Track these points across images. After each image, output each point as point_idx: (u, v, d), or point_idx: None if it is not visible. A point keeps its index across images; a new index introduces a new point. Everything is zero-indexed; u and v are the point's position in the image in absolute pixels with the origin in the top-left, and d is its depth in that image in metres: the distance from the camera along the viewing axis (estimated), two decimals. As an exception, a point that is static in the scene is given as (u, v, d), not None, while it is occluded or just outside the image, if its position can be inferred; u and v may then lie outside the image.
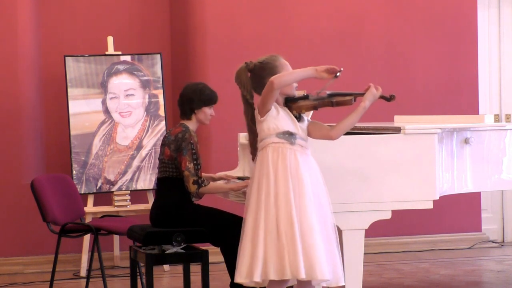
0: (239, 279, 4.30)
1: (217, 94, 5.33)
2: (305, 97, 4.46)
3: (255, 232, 4.28)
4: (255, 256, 4.25)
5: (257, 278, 4.24)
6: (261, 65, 4.43)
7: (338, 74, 4.34)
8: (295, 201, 4.26)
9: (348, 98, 4.47)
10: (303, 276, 4.19)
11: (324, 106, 4.49)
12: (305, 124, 4.47)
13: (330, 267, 4.27)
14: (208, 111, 5.30)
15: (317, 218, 4.29)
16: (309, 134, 4.48)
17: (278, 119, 4.36)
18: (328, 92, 4.47)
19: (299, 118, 4.44)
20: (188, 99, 5.26)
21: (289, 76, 4.32)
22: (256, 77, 4.43)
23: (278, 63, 4.42)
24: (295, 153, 4.34)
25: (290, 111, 4.42)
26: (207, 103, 5.27)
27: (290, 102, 4.45)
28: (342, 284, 4.38)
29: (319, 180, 4.39)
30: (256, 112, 4.39)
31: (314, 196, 4.32)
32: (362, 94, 4.47)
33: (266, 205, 4.28)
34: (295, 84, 4.45)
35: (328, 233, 4.33)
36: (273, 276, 4.22)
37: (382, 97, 4.50)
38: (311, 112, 4.75)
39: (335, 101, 4.47)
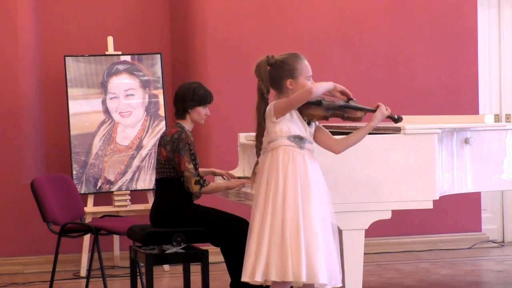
0: (243, 277, 4.31)
1: (211, 93, 5.28)
2: (318, 103, 4.41)
3: (261, 232, 4.28)
4: (259, 256, 4.26)
5: (259, 278, 4.24)
6: (281, 64, 4.36)
7: (350, 101, 4.38)
8: (303, 203, 4.27)
9: (359, 114, 4.45)
10: (304, 279, 4.21)
11: (335, 117, 4.49)
12: (313, 128, 4.45)
13: (328, 271, 4.28)
14: (202, 111, 5.25)
15: (320, 222, 4.29)
16: (314, 138, 4.46)
17: (291, 122, 4.32)
18: (340, 103, 4.43)
19: (308, 122, 4.42)
20: (181, 98, 5.23)
21: (324, 88, 4.32)
22: (274, 74, 4.37)
23: (299, 66, 4.36)
24: (304, 157, 4.33)
25: (301, 115, 4.39)
26: (200, 103, 5.23)
27: (302, 106, 4.41)
28: (339, 285, 4.38)
29: (323, 182, 4.39)
30: (271, 112, 4.33)
31: (319, 199, 4.32)
32: (373, 111, 4.46)
33: (273, 206, 4.27)
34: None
35: (328, 235, 4.33)
36: (274, 277, 4.22)
37: (389, 117, 4.51)
38: None
39: (347, 115, 4.45)
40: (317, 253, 4.24)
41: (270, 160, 4.35)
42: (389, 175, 4.81)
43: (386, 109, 4.46)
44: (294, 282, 4.28)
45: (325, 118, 4.45)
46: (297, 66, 4.37)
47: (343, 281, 4.78)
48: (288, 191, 4.27)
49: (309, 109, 4.38)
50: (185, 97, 5.22)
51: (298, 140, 4.34)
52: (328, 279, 4.27)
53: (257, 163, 4.52)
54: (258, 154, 4.45)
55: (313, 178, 4.33)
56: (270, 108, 4.36)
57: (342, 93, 4.40)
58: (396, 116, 4.53)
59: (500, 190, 8.05)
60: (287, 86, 4.36)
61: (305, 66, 4.39)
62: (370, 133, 5.02)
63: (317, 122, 4.51)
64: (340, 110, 4.43)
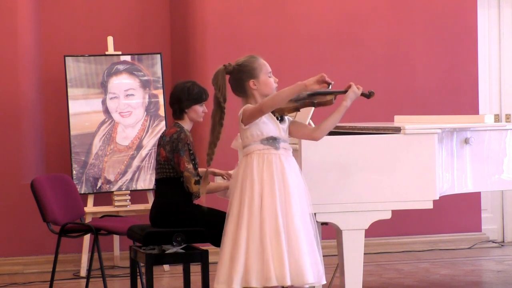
0: (216, 285, 4.27)
1: (207, 91, 5.27)
2: None
3: (236, 238, 4.25)
4: (235, 262, 4.21)
5: (237, 285, 4.19)
6: (239, 68, 4.39)
7: (330, 86, 4.31)
8: (281, 206, 4.24)
9: (329, 98, 4.41)
10: (288, 282, 4.18)
11: (306, 107, 4.48)
12: (286, 124, 4.43)
13: (314, 270, 4.26)
14: (199, 109, 5.25)
15: (301, 222, 4.27)
16: (291, 133, 4.45)
17: (260, 125, 4.32)
18: (308, 92, 4.43)
19: (280, 119, 4.42)
20: (177, 99, 5.23)
21: (278, 98, 4.25)
22: (235, 80, 4.41)
23: (257, 65, 4.39)
24: (280, 158, 4.33)
25: (272, 113, 4.39)
26: (196, 101, 5.22)
27: None
28: (324, 282, 4.37)
29: (300, 180, 4.38)
30: (240, 119, 4.35)
31: (298, 197, 4.31)
32: (342, 92, 4.41)
33: (249, 211, 4.25)
34: (275, 84, 4.42)
35: (309, 233, 4.31)
36: (255, 283, 4.17)
37: (362, 94, 4.46)
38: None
39: (317, 101, 4.43)
40: (301, 254, 4.21)
41: (245, 165, 4.36)
42: (389, 175, 4.81)
43: (358, 88, 4.42)
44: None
45: (296, 109, 4.46)
46: (255, 65, 4.39)
47: (343, 281, 4.79)
48: (265, 194, 4.25)
49: None
50: (180, 97, 5.22)
51: (272, 141, 4.34)
52: (315, 280, 4.26)
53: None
54: (208, 163, 4.44)
55: (291, 177, 4.31)
56: (239, 114, 4.37)
57: (319, 82, 4.25)
58: (368, 92, 4.50)
59: (500, 190, 8.04)
60: (251, 87, 4.38)
61: (263, 64, 4.41)
62: (370, 133, 5.03)
63: (290, 117, 4.51)
64: (309, 98, 4.42)
